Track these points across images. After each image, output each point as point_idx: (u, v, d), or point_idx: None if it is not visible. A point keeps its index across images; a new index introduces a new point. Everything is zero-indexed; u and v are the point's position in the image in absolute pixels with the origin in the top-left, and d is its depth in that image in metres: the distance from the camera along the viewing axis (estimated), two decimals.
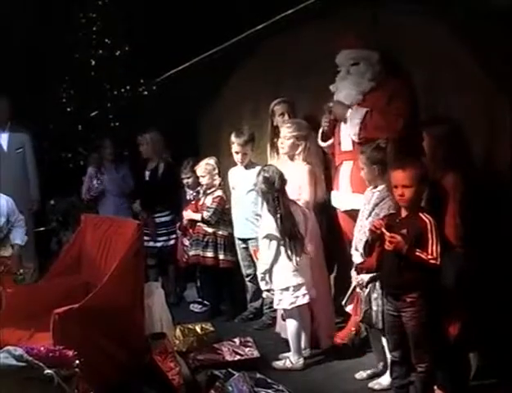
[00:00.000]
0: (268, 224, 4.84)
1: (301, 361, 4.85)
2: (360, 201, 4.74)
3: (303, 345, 4.95)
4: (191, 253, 6.15)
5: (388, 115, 4.82)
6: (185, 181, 6.44)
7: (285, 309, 4.93)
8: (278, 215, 4.76)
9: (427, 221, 3.71)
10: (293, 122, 5.39)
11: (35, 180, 7.15)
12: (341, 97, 5.08)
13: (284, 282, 4.83)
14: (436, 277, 3.74)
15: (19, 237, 5.76)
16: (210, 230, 6.06)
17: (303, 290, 4.82)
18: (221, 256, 6.03)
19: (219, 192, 6.13)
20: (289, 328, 4.91)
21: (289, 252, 4.77)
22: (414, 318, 3.78)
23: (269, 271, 4.87)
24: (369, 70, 4.98)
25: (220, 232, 6.06)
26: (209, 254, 6.03)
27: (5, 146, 7.00)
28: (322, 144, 5.31)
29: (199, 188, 6.30)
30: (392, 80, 4.95)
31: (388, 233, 3.72)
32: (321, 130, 5.28)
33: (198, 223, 6.13)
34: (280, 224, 4.76)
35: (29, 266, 6.17)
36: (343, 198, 5.09)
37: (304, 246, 4.83)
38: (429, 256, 3.65)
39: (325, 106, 5.18)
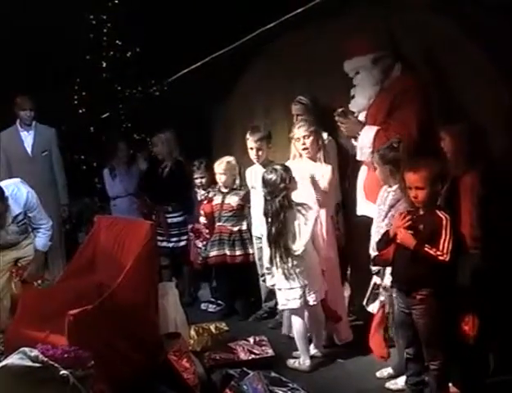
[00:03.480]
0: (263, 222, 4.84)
1: (307, 362, 4.76)
2: (371, 209, 4.71)
3: (312, 346, 4.91)
4: (213, 253, 6.02)
5: (391, 132, 4.62)
6: (198, 181, 6.35)
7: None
8: (269, 219, 4.72)
9: (443, 217, 3.70)
10: (302, 120, 5.25)
11: (63, 183, 6.80)
12: (351, 105, 5.01)
13: (278, 283, 4.79)
14: (447, 274, 3.71)
15: (41, 242, 5.36)
16: (235, 228, 6.02)
17: (294, 294, 4.69)
18: (250, 251, 5.95)
19: (243, 191, 6.02)
20: (293, 328, 4.87)
21: (273, 258, 4.72)
22: (424, 315, 3.77)
23: (270, 268, 4.83)
24: (368, 75, 4.88)
25: (244, 228, 6.01)
26: (239, 252, 5.96)
27: (29, 150, 6.58)
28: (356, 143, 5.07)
29: (210, 188, 6.24)
30: (399, 80, 4.82)
31: (396, 227, 3.77)
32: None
33: (219, 223, 6.05)
34: (268, 231, 4.72)
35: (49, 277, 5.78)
36: (358, 202, 5.02)
37: (289, 259, 4.67)
38: (438, 252, 3.64)
39: (336, 113, 4.94)
